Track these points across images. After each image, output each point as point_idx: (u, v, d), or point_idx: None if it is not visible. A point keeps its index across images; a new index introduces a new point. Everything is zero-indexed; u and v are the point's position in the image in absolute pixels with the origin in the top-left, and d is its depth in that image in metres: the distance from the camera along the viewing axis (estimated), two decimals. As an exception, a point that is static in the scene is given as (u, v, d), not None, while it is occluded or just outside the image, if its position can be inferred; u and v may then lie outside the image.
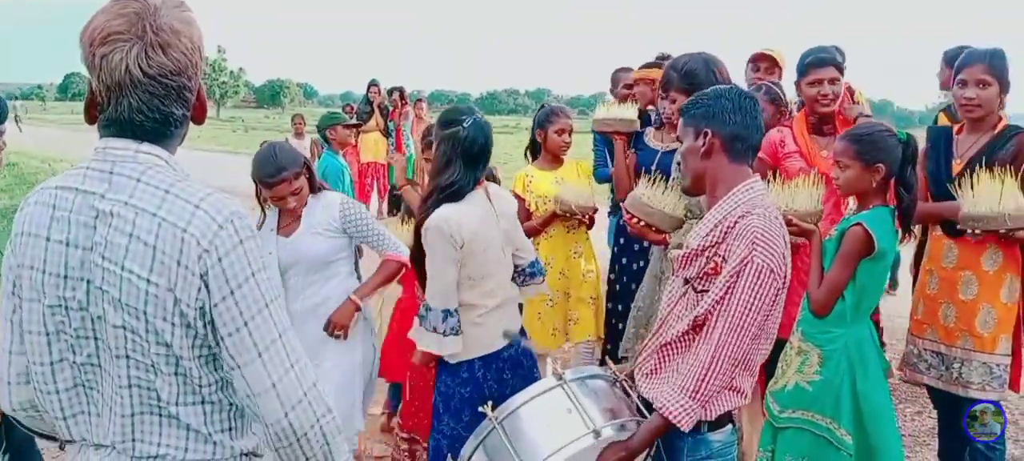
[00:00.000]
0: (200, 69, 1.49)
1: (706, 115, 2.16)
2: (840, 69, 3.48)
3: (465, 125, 2.77)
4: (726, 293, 2.02)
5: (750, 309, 2.01)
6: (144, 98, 1.41)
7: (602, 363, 3.79)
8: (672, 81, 3.24)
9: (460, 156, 2.76)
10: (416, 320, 2.84)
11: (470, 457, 2.11)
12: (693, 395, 2.01)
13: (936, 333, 3.31)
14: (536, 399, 2.08)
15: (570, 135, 4.24)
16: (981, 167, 3.12)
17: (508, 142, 33.20)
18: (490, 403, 2.13)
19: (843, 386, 2.77)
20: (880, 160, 2.76)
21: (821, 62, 3.43)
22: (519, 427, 2.05)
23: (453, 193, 2.76)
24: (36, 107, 76.44)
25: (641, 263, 3.99)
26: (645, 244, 3.91)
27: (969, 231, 3.08)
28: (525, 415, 2.06)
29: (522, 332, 3.06)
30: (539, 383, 2.12)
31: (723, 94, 2.19)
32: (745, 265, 2.00)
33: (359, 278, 3.51)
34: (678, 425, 2.02)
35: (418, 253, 2.80)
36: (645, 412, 2.13)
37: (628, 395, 2.19)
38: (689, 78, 3.15)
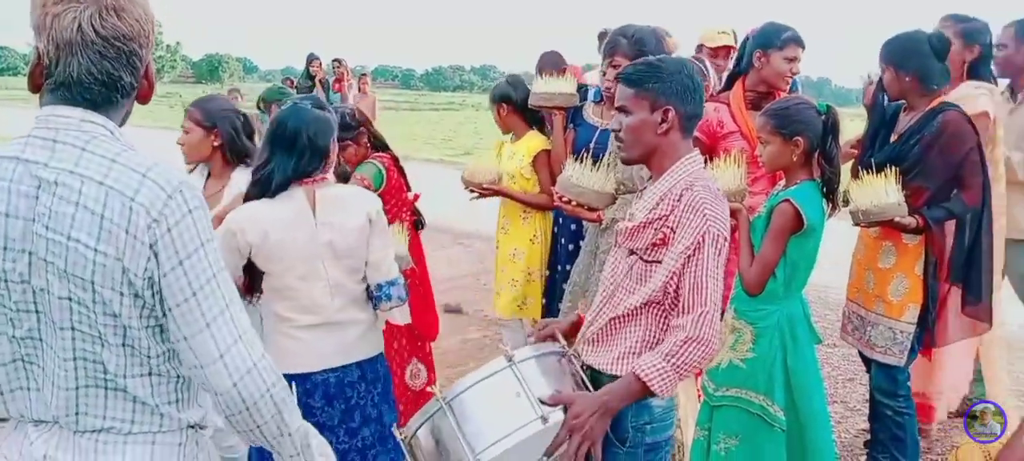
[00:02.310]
0: (151, 43, 1.49)
1: (668, 91, 2.11)
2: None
3: (282, 107, 2.64)
4: (693, 266, 2.03)
5: (717, 277, 2.04)
6: (94, 59, 1.40)
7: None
8: (619, 45, 3.23)
9: (269, 141, 2.58)
10: None
11: (415, 432, 2.09)
12: (673, 363, 2.00)
13: (861, 297, 3.47)
14: (484, 381, 2.04)
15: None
16: (907, 145, 3.26)
17: (453, 119, 33.11)
18: (439, 384, 2.11)
19: (776, 363, 2.81)
20: (799, 133, 2.77)
21: (799, 39, 3.46)
22: (466, 410, 2.01)
23: (262, 184, 2.56)
24: (-38, 81, 73.31)
25: (579, 243, 4.04)
26: (583, 223, 3.97)
27: (857, 221, 3.20)
28: (473, 398, 2.03)
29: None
30: (488, 365, 2.08)
31: (681, 69, 2.16)
32: (704, 236, 2.03)
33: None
34: (659, 393, 2.02)
35: None
36: (589, 385, 2.14)
37: (576, 369, 2.19)
38: (638, 45, 3.16)
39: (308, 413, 2.55)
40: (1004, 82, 4.18)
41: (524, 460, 2.13)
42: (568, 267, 4.01)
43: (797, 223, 2.74)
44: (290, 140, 2.55)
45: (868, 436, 3.74)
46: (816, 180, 2.83)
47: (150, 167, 1.41)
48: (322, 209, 2.60)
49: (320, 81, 10.60)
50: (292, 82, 10.77)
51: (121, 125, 1.50)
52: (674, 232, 2.07)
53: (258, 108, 6.26)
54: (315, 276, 2.60)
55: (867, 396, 3.70)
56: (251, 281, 2.66)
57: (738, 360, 2.86)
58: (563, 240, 4.12)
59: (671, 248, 2.08)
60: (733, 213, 2.87)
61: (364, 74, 12.18)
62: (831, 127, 2.79)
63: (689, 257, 2.04)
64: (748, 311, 2.87)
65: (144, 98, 1.54)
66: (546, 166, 4.09)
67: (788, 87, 3.52)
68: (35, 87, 1.47)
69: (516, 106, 4.18)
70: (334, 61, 10.89)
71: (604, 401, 2.03)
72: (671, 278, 2.07)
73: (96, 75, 1.42)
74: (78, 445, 1.48)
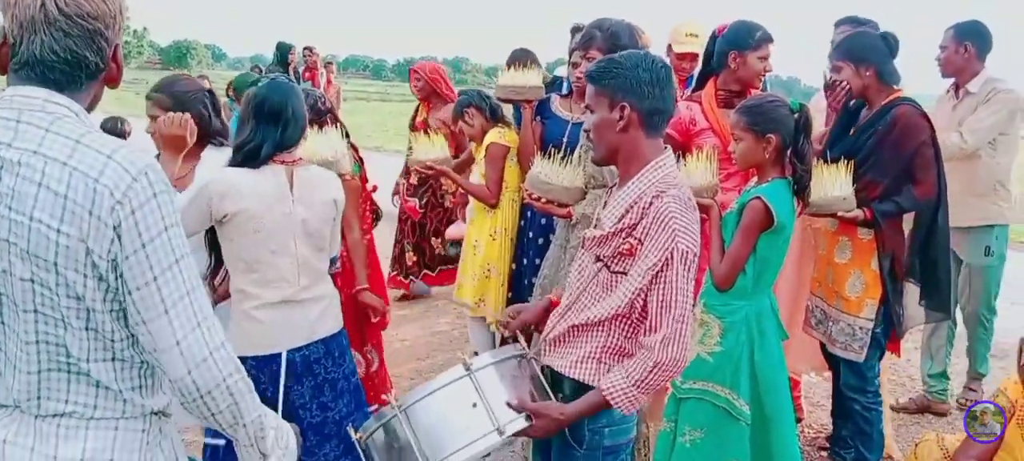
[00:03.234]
0: (119, 25, 1.47)
1: (623, 87, 2.05)
2: None
3: (261, 85, 2.73)
4: (661, 284, 2.00)
5: (687, 294, 2.01)
6: (57, 37, 1.39)
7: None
8: (594, 39, 3.22)
9: (252, 115, 2.66)
10: None
11: (371, 435, 2.07)
12: (640, 386, 2.01)
13: (822, 291, 3.51)
14: (442, 390, 2.03)
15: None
16: (861, 138, 3.33)
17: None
18: (393, 391, 2.11)
19: (742, 357, 2.83)
20: (771, 130, 2.78)
21: (770, 38, 3.49)
22: (422, 419, 1.99)
23: (247, 155, 2.63)
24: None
25: (548, 237, 4.03)
26: (551, 218, 3.97)
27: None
28: (429, 407, 2.01)
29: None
30: (446, 373, 2.06)
31: (639, 64, 2.07)
32: (672, 254, 1.98)
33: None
34: (622, 411, 2.04)
35: None
36: (547, 388, 2.15)
37: (536, 371, 2.19)
38: (613, 39, 3.16)
39: (287, 393, 2.65)
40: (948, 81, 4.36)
41: None
42: (537, 261, 4.01)
43: (767, 220, 2.75)
44: (275, 113, 2.64)
45: (829, 430, 3.80)
46: (788, 178, 2.85)
47: (115, 149, 1.39)
48: (298, 187, 2.68)
49: (293, 70, 10.50)
50: (261, 70, 10.65)
51: (90, 109, 1.48)
52: (642, 244, 2.03)
53: (227, 96, 6.19)
54: (285, 252, 2.66)
55: (829, 391, 3.76)
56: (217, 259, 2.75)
57: (705, 354, 2.87)
58: (531, 234, 4.11)
59: (638, 262, 2.03)
60: (704, 209, 2.88)
61: (330, 63, 12.06)
62: (803, 125, 2.80)
63: (657, 274, 2.00)
64: (717, 306, 2.88)
65: (112, 82, 1.52)
66: (496, 160, 4.04)
67: (761, 84, 3.55)
68: (1, 68, 1.44)
69: (482, 110, 4.19)
70: (305, 49, 10.79)
71: (568, 415, 2.07)
72: (638, 295, 2.04)
73: (60, 54, 1.40)
74: (39, 430, 1.46)
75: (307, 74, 10.63)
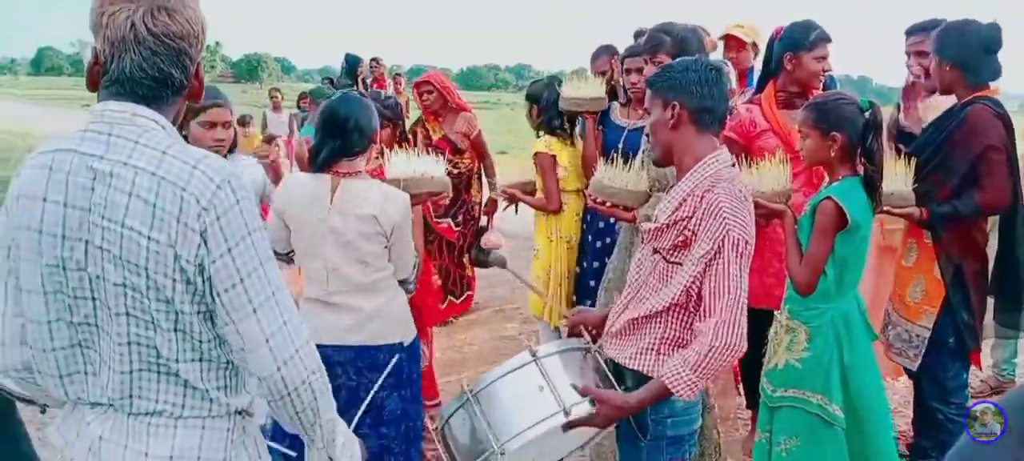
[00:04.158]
0: (201, 44, 1.56)
1: (674, 87, 2.20)
2: None
3: (330, 97, 2.93)
4: (713, 272, 2.07)
5: (739, 280, 2.07)
6: (145, 56, 1.47)
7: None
8: (663, 44, 3.24)
9: (321, 125, 2.85)
10: None
11: (447, 421, 2.20)
12: (697, 370, 2.04)
13: (893, 295, 3.45)
14: (510, 375, 2.15)
15: None
16: (932, 135, 3.25)
17: (488, 117, 33.23)
18: (466, 377, 2.20)
19: (832, 361, 2.77)
20: (836, 128, 2.72)
21: (826, 37, 3.44)
22: (493, 401, 2.12)
23: (310, 160, 2.87)
24: (8, 81, 75.37)
25: (608, 241, 4.07)
26: (611, 221, 4.00)
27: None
28: (498, 390, 2.13)
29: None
30: (513, 359, 2.18)
31: (690, 66, 2.23)
32: (723, 242, 2.06)
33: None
34: (684, 398, 2.09)
35: None
36: (611, 380, 2.22)
37: (599, 364, 2.27)
38: (682, 45, 3.18)
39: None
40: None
41: (547, 449, 2.24)
42: (597, 264, 4.06)
43: (841, 220, 2.70)
44: (338, 125, 2.80)
45: (910, 438, 3.69)
46: (859, 176, 2.79)
47: (199, 159, 1.47)
48: (340, 198, 2.79)
49: (361, 80, 10.71)
50: (332, 81, 10.89)
51: (174, 123, 1.56)
52: (696, 235, 2.11)
53: (298, 107, 6.39)
54: (315, 255, 2.82)
55: (909, 398, 3.67)
56: None
57: (794, 361, 2.83)
58: (590, 237, 4.19)
59: (692, 252, 2.12)
60: (778, 214, 2.89)
61: (398, 74, 12.26)
62: (872, 124, 2.74)
63: (709, 262, 2.08)
64: (801, 311, 2.83)
65: (195, 96, 1.60)
66: (547, 167, 4.17)
67: (821, 85, 3.51)
68: (92, 85, 1.53)
69: (539, 108, 4.31)
70: (372, 61, 10.99)
71: (631, 404, 2.13)
72: (692, 283, 2.12)
73: (148, 71, 1.48)
74: (131, 428, 1.53)
75: (375, 84, 10.83)
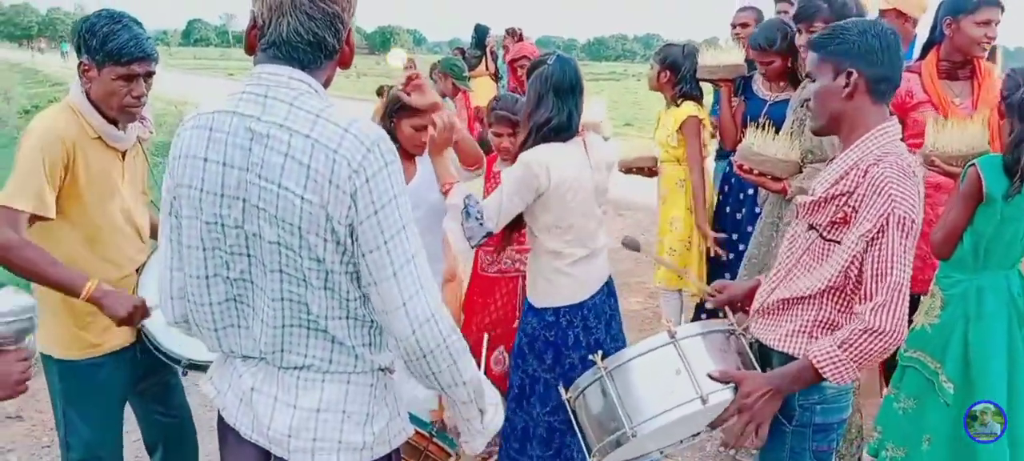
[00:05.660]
0: (353, 10, 1.59)
1: (850, 53, 2.00)
2: (1003, 10, 3.20)
3: (549, 62, 2.81)
4: (876, 251, 1.92)
5: (905, 263, 1.92)
6: (302, 20, 1.51)
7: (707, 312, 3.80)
8: (820, 11, 3.09)
9: (550, 91, 2.77)
10: (460, 214, 2.77)
11: (580, 393, 2.14)
12: (851, 353, 1.92)
13: None
14: (647, 355, 2.06)
15: None
16: None
17: (615, 89, 32.84)
18: (600, 352, 2.15)
19: (954, 333, 2.75)
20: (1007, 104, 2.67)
21: (993, 1, 3.17)
22: (628, 381, 2.04)
23: (551, 130, 2.76)
24: (162, 52, 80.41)
25: (744, 211, 3.94)
26: (750, 192, 3.85)
27: None
28: (634, 370, 2.05)
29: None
30: (651, 339, 2.09)
31: (868, 30, 2.02)
32: (888, 220, 1.90)
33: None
34: (833, 381, 1.96)
35: None
36: (756, 365, 2.10)
37: (744, 347, 2.14)
38: (842, 9, 3.02)
39: (587, 334, 2.92)
40: None
41: (681, 434, 2.16)
42: (734, 236, 3.94)
43: (978, 189, 2.64)
44: (572, 86, 2.80)
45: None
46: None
47: (350, 123, 1.50)
48: (592, 154, 2.88)
49: (490, 50, 10.77)
50: (463, 52, 11.00)
51: (326, 87, 1.60)
52: (856, 212, 1.95)
53: (431, 78, 6.48)
54: (590, 214, 2.89)
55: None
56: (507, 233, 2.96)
57: (927, 324, 2.85)
58: (728, 208, 4.07)
59: (852, 229, 1.96)
60: (952, 176, 2.82)
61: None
62: (1018, 105, 2.61)
63: (872, 241, 1.92)
64: (941, 278, 2.85)
65: (345, 62, 1.64)
66: (695, 133, 4.01)
67: (984, 54, 3.24)
68: (250, 48, 1.59)
69: (676, 76, 4.10)
70: (507, 30, 10.99)
71: (776, 384, 1.99)
72: (852, 262, 1.96)
73: (303, 35, 1.52)
74: (281, 380, 1.60)
75: (507, 56, 10.82)
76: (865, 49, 1.99)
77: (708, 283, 4.02)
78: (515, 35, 10.84)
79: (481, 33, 10.71)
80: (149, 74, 2.37)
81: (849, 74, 2.00)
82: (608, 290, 3.03)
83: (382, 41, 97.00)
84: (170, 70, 40.49)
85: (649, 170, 4.26)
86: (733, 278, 3.76)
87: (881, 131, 2.01)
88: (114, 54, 2.26)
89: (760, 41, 3.68)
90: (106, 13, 2.30)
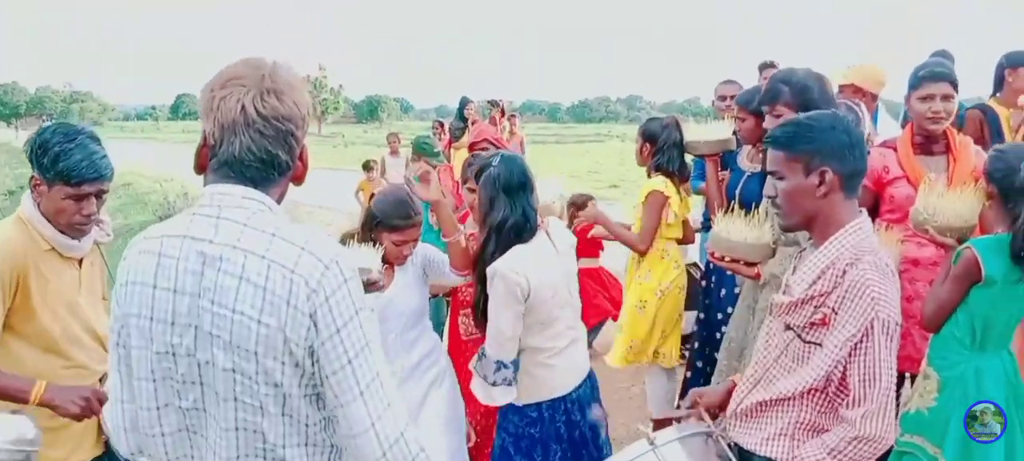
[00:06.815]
0: (306, 127, 1.57)
1: (821, 151, 1.96)
2: (955, 85, 3.14)
3: (494, 164, 2.78)
4: (862, 356, 1.89)
5: (891, 366, 1.90)
6: (255, 138, 1.48)
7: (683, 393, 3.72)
8: (781, 94, 3.03)
9: (500, 191, 2.73)
10: (473, 361, 2.79)
11: None
12: (838, 459, 1.91)
13: None
14: None
15: None
16: None
17: (600, 151, 33.16)
18: None
19: (953, 416, 2.67)
20: (991, 182, 2.67)
21: (934, 76, 3.12)
22: None
23: (511, 230, 2.70)
24: (150, 127, 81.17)
25: (725, 291, 3.90)
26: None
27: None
28: None
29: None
30: (630, 448, 2.08)
31: (834, 125, 1.99)
32: (873, 324, 1.87)
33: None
34: None
35: (482, 297, 2.75)
36: None
37: (724, 450, 2.12)
38: (803, 94, 2.96)
39: (574, 428, 2.83)
40: None
41: None
42: (719, 315, 3.87)
43: (976, 273, 2.59)
44: (520, 185, 2.75)
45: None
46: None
47: (307, 240, 1.46)
48: (557, 241, 2.84)
49: (472, 122, 10.80)
50: (442, 125, 11.06)
51: (278, 203, 1.56)
52: (836, 313, 1.92)
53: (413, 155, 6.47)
54: (566, 302, 2.84)
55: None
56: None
57: (923, 408, 2.76)
58: (712, 284, 4.01)
59: (834, 332, 1.93)
60: (946, 248, 2.77)
61: (513, 114, 12.33)
62: (1021, 185, 2.58)
63: (857, 345, 1.89)
64: (935, 359, 2.78)
65: (298, 179, 1.60)
66: (655, 208, 3.94)
67: (938, 128, 3.15)
68: (201, 168, 1.55)
69: (654, 148, 4.05)
70: (489, 102, 11.05)
71: None
72: (835, 367, 1.93)
73: (256, 153, 1.48)
74: None
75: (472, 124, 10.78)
76: (836, 146, 1.96)
77: (698, 357, 3.98)
78: (498, 105, 10.89)
79: (462, 105, 10.79)
80: (101, 192, 2.33)
81: (822, 173, 1.96)
82: (590, 384, 2.94)
83: (370, 110, 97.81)
84: (159, 143, 40.57)
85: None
86: (715, 351, 3.71)
87: (855, 227, 1.98)
88: (64, 174, 2.23)
89: (739, 100, 3.68)
90: (61, 129, 2.28)
